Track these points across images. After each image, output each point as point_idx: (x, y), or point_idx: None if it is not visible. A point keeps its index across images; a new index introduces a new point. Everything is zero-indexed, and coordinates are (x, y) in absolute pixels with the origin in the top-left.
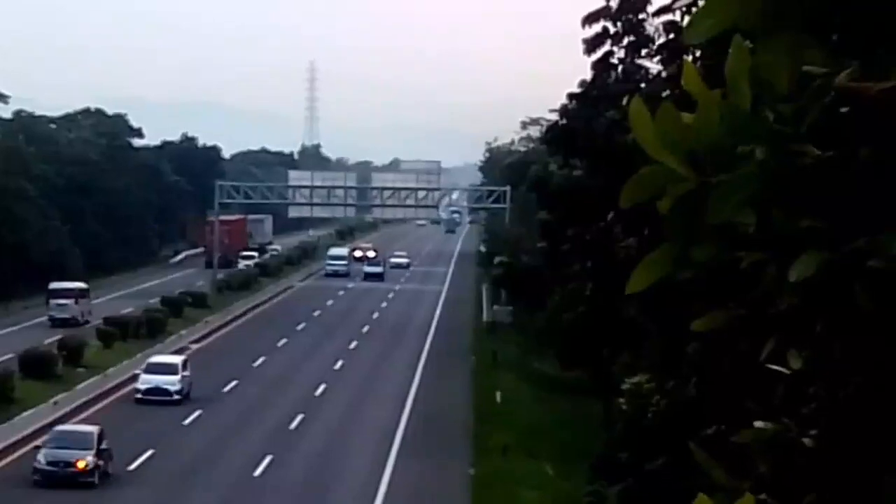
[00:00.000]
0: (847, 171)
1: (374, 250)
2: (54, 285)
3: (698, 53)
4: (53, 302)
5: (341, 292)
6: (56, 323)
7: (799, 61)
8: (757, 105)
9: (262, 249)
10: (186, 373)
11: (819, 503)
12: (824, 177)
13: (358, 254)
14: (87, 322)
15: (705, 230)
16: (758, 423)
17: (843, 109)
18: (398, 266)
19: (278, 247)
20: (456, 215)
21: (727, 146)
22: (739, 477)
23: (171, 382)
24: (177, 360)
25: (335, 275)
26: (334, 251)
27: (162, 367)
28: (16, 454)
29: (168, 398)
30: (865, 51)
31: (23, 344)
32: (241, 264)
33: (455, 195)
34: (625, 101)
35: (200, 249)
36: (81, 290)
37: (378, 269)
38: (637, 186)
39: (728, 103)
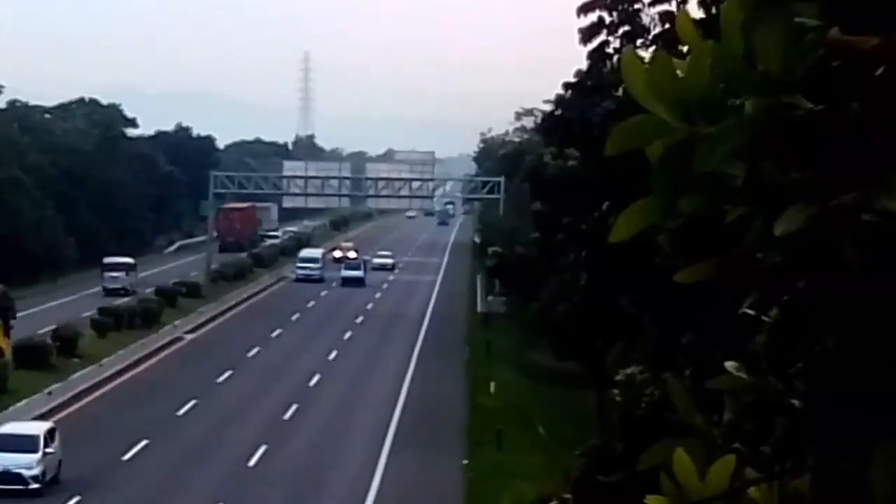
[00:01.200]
0: (838, 125)
1: (355, 250)
2: (108, 260)
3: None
4: (107, 274)
5: (335, 283)
6: (109, 292)
7: (791, 33)
8: (749, 56)
9: (269, 235)
10: (52, 448)
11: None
12: (815, 130)
13: (337, 254)
14: (134, 292)
15: (693, 181)
16: (729, 365)
17: (835, 63)
18: (382, 267)
19: (279, 233)
20: (449, 206)
21: (718, 97)
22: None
23: (25, 464)
24: (38, 429)
25: (307, 280)
26: (306, 252)
27: (14, 441)
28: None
29: (21, 486)
30: (860, 5)
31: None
32: (267, 243)
33: (449, 186)
34: (620, 92)
35: (196, 239)
36: (130, 264)
37: (357, 273)
38: (626, 135)
39: (720, 52)
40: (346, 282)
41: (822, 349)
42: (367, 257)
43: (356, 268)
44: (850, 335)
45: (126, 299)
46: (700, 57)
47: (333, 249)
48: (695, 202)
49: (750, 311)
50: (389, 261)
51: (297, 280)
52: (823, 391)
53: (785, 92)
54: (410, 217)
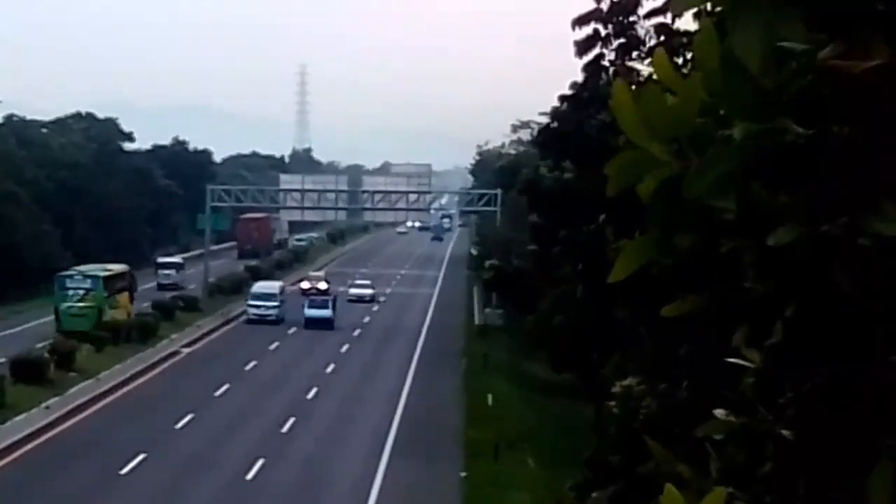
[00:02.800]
0: (828, 149)
1: (326, 281)
2: (161, 260)
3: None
4: (161, 272)
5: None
6: (162, 287)
7: (772, 39)
8: (735, 83)
9: (281, 243)
10: None
11: (788, 495)
12: (805, 155)
13: (305, 285)
14: (183, 287)
15: (687, 216)
16: (719, 412)
17: (826, 86)
18: (359, 299)
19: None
20: (446, 220)
21: (708, 130)
22: (706, 473)
23: None
24: None
25: (261, 321)
26: (260, 287)
27: None
28: (7, 459)
29: None
30: (848, 27)
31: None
32: (291, 244)
33: (445, 198)
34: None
35: (193, 252)
36: (180, 263)
37: (324, 314)
38: (618, 172)
39: (707, 80)
40: (311, 323)
41: (812, 379)
42: (344, 288)
43: (322, 306)
44: (841, 362)
45: (174, 293)
46: (688, 90)
47: (301, 280)
48: (689, 238)
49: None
50: (368, 291)
51: (250, 322)
52: (814, 421)
53: (774, 116)
54: (402, 233)
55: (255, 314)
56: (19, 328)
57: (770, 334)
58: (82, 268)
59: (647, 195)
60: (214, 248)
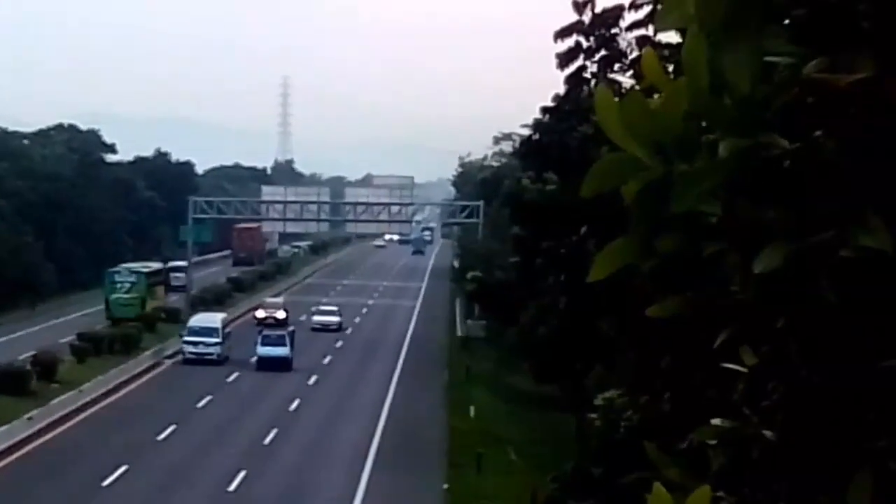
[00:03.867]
0: (814, 163)
1: (285, 309)
2: (172, 264)
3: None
4: (173, 275)
5: (314, 308)
6: (173, 289)
7: (761, 59)
8: (722, 97)
9: (271, 253)
10: None
11: (772, 497)
12: (791, 168)
13: (260, 314)
14: (191, 289)
15: (669, 220)
16: (715, 421)
17: (810, 100)
18: (324, 328)
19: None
20: (427, 233)
21: (692, 134)
22: (696, 477)
23: None
24: None
25: (199, 360)
26: (197, 321)
27: None
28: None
29: None
30: (832, 42)
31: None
32: (291, 251)
33: (427, 210)
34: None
35: (174, 264)
36: (185, 267)
37: (279, 352)
38: (601, 174)
39: (692, 91)
40: (264, 364)
41: (798, 384)
42: (310, 312)
43: (278, 342)
44: (826, 370)
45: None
46: (673, 95)
47: (256, 308)
48: (671, 241)
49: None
50: (334, 319)
51: (187, 362)
52: (799, 425)
53: (759, 131)
54: (379, 246)
55: (191, 353)
56: (0, 340)
57: (756, 339)
58: (127, 265)
59: (630, 198)
60: (209, 256)
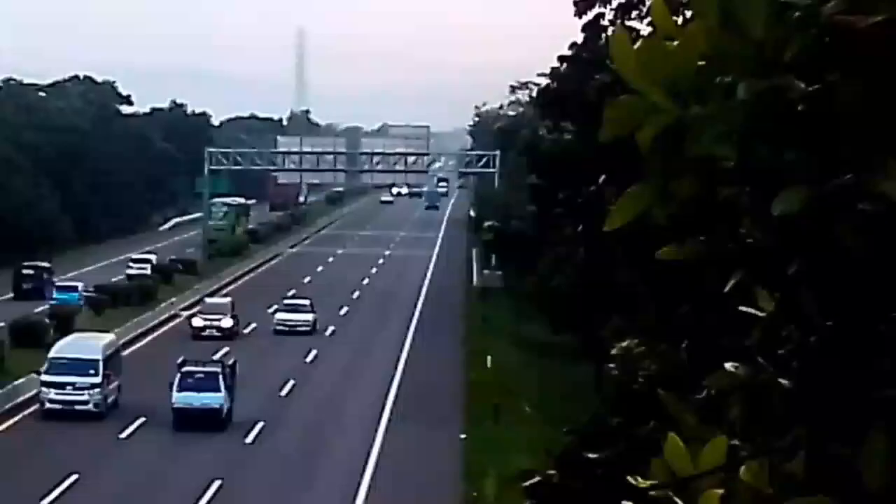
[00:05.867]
0: (833, 107)
1: (234, 317)
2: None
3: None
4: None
5: (331, 259)
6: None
7: (772, 3)
8: (736, 40)
9: (303, 202)
10: None
11: (792, 447)
12: (808, 112)
13: (198, 322)
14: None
15: (685, 164)
16: (728, 365)
17: (828, 41)
18: (292, 328)
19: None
20: (442, 185)
21: (708, 77)
22: (713, 425)
23: None
24: None
25: (68, 414)
26: (64, 349)
27: None
28: (8, 422)
29: None
30: None
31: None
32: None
33: (443, 160)
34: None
35: (191, 216)
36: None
37: (210, 400)
38: (617, 118)
39: (707, 34)
40: (184, 420)
41: (815, 332)
42: (274, 310)
43: (208, 385)
44: (843, 317)
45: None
46: (689, 38)
47: (192, 315)
48: (687, 186)
49: (746, 309)
50: (304, 317)
51: (48, 415)
52: (816, 374)
53: (776, 73)
54: (386, 202)
55: (53, 402)
56: None
57: (768, 283)
58: (221, 199)
59: (646, 143)
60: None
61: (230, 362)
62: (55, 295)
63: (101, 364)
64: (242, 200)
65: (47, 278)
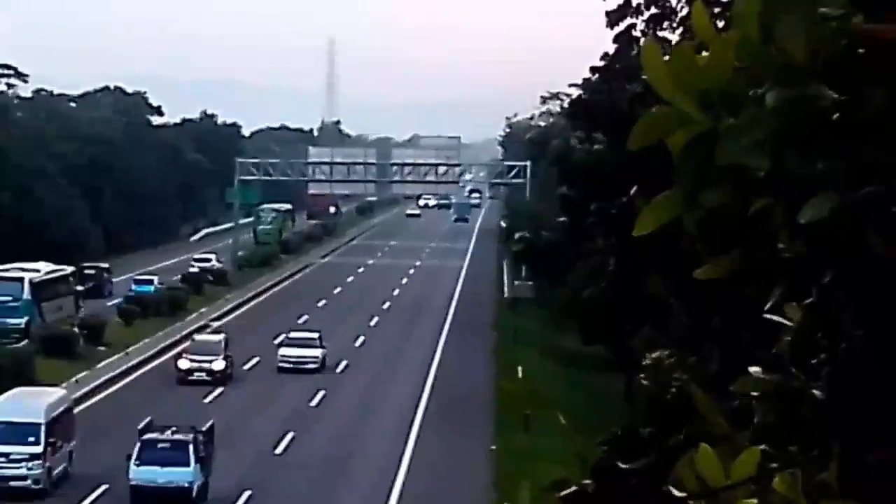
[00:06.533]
0: (863, 115)
1: (226, 358)
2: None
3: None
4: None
5: (361, 269)
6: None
7: (815, 23)
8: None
9: (338, 212)
10: None
11: (825, 457)
12: (839, 121)
13: (184, 364)
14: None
15: (715, 174)
16: (754, 369)
17: (860, 51)
18: (297, 365)
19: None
20: (475, 196)
21: (739, 88)
22: (742, 428)
23: None
24: None
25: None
26: (4, 408)
27: None
28: None
29: None
30: None
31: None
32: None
33: (473, 171)
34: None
35: (221, 227)
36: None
37: (176, 477)
38: (647, 128)
39: (741, 41)
40: (142, 502)
41: (847, 340)
42: (277, 344)
43: (176, 458)
44: (875, 325)
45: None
46: (721, 48)
47: (179, 356)
48: (717, 195)
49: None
50: (313, 353)
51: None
52: (848, 382)
53: (808, 82)
54: (412, 215)
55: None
56: None
57: (805, 296)
58: (269, 205)
59: (676, 150)
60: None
61: (207, 425)
62: (133, 287)
63: (42, 429)
64: (289, 206)
65: (107, 277)
